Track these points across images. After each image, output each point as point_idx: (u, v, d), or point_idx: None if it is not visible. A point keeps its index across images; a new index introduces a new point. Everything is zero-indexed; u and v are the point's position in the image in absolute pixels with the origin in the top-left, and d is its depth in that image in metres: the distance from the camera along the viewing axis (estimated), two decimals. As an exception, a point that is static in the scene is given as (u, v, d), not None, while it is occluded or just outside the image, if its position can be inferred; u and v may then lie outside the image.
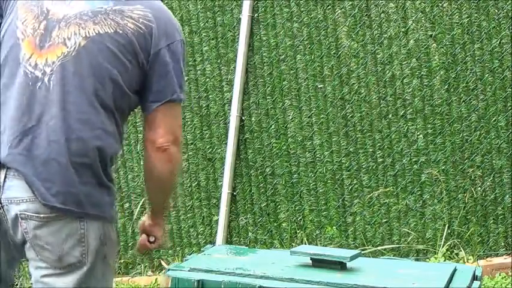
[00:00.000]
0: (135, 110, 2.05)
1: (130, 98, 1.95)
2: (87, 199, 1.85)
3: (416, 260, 4.03)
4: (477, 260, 4.06)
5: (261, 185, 4.45)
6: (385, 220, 4.27)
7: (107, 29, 1.89)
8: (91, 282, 1.90)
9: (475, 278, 2.18)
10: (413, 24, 4.18)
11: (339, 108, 4.31)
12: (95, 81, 1.86)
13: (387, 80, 4.24)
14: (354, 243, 4.29)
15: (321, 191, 4.36)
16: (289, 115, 4.38)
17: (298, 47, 4.34)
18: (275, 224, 4.43)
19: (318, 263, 2.18)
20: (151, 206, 2.15)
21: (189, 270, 2.16)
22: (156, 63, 1.94)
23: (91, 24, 1.88)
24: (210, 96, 4.49)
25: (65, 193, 1.82)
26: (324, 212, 4.35)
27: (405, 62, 4.20)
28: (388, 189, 4.25)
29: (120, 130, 1.95)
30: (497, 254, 4.13)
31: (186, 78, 4.49)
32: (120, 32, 1.89)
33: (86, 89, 1.85)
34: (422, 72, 4.19)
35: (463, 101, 4.15)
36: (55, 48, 1.87)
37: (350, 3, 4.25)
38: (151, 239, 2.19)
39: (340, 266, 2.15)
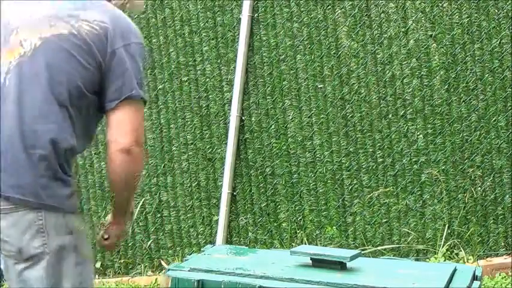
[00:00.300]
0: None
1: (88, 97, 1.98)
2: (44, 191, 1.89)
3: (416, 260, 4.03)
4: (477, 260, 4.06)
5: (261, 185, 4.45)
6: (385, 220, 4.27)
7: (61, 30, 1.96)
8: (64, 273, 1.93)
9: (475, 278, 2.18)
10: (413, 24, 4.18)
11: (339, 108, 4.31)
12: (50, 79, 1.92)
13: (387, 80, 4.24)
14: (354, 243, 4.29)
15: (321, 191, 4.36)
16: (289, 115, 4.38)
17: (298, 47, 4.34)
18: (275, 224, 4.43)
19: (318, 263, 2.18)
20: (113, 205, 2.17)
21: (189, 270, 2.16)
22: (113, 61, 1.98)
23: (47, 27, 1.96)
24: (210, 96, 4.49)
25: (21, 185, 1.87)
26: (324, 212, 4.35)
27: (405, 62, 4.20)
28: (388, 189, 4.25)
29: (75, 127, 1.97)
30: (497, 254, 4.13)
31: (186, 78, 4.50)
32: (75, 33, 1.95)
33: (41, 87, 1.91)
34: (422, 72, 4.19)
35: (463, 101, 4.16)
36: (12, 49, 1.95)
37: (350, 3, 4.25)
38: (106, 236, 2.18)
39: (340, 266, 2.15)
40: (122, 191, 2.11)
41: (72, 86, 1.93)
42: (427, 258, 4.13)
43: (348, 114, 4.30)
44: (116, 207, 2.17)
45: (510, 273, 3.92)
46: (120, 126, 1.99)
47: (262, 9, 4.37)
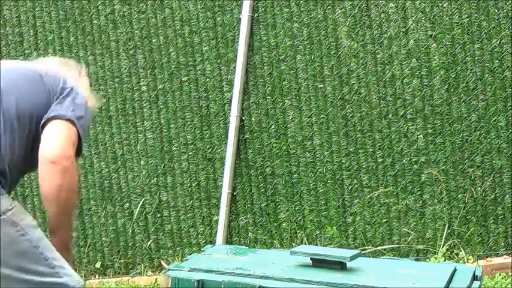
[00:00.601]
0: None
1: (33, 122, 2.17)
2: None
3: (416, 260, 4.03)
4: (477, 260, 4.06)
5: (261, 185, 4.45)
6: (385, 220, 4.27)
7: (23, 65, 2.30)
8: (15, 248, 2.05)
9: (475, 278, 2.18)
10: (413, 24, 4.18)
11: (339, 108, 4.31)
12: (4, 94, 2.14)
13: (387, 80, 4.24)
14: (354, 243, 4.29)
15: (321, 191, 4.36)
16: (289, 115, 4.38)
17: (298, 47, 4.34)
18: (275, 224, 4.43)
19: (318, 263, 2.18)
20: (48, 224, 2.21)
21: (189, 270, 2.16)
22: (60, 95, 2.21)
23: (9, 63, 2.32)
24: (210, 96, 4.49)
25: None
26: (324, 212, 4.35)
27: (405, 62, 4.20)
28: (388, 189, 4.25)
29: (14, 140, 2.12)
30: (497, 254, 4.13)
31: (186, 78, 4.50)
32: (34, 67, 2.27)
33: None
34: (422, 72, 4.19)
35: (463, 101, 4.16)
36: None
37: (350, 3, 4.25)
38: None
39: (340, 266, 2.15)
40: (50, 206, 2.13)
41: (16, 105, 2.12)
42: (427, 258, 4.13)
43: (348, 114, 4.30)
44: (49, 226, 2.19)
45: (510, 273, 3.92)
46: (47, 140, 2.12)
47: (262, 9, 4.37)
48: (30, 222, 2.09)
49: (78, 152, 2.21)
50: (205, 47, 4.47)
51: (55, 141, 2.11)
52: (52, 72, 2.28)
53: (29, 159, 2.16)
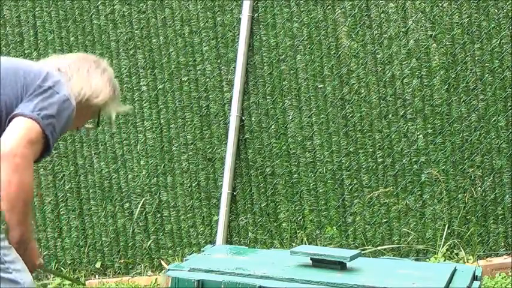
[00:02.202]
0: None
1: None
2: None
3: (416, 260, 4.04)
4: (477, 260, 4.06)
5: (261, 185, 4.45)
6: (385, 220, 4.27)
7: (10, 61, 2.28)
8: None
9: (475, 278, 2.18)
10: (413, 24, 4.18)
11: (339, 108, 4.31)
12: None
13: (387, 80, 4.24)
14: (354, 243, 4.29)
15: (321, 191, 4.36)
16: (289, 115, 4.38)
17: (298, 47, 4.34)
18: (275, 224, 4.43)
19: (318, 263, 2.18)
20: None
21: (189, 270, 2.16)
22: (32, 92, 2.18)
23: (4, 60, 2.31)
24: (210, 96, 4.49)
25: None
26: (324, 212, 4.35)
27: (405, 62, 4.21)
28: (388, 189, 4.25)
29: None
30: (497, 254, 4.13)
31: (186, 78, 4.50)
32: (21, 64, 2.26)
33: None
34: (422, 72, 4.19)
35: (463, 101, 4.16)
36: None
37: (350, 3, 4.25)
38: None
39: (340, 266, 2.16)
40: (4, 204, 2.10)
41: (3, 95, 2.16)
42: (427, 258, 4.13)
43: (348, 114, 4.30)
44: (5, 225, 2.16)
45: (510, 273, 3.92)
46: (2, 138, 2.10)
47: (262, 9, 4.37)
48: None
49: (46, 149, 2.17)
50: (205, 47, 4.47)
51: (9, 138, 2.09)
52: (37, 69, 2.23)
53: None
